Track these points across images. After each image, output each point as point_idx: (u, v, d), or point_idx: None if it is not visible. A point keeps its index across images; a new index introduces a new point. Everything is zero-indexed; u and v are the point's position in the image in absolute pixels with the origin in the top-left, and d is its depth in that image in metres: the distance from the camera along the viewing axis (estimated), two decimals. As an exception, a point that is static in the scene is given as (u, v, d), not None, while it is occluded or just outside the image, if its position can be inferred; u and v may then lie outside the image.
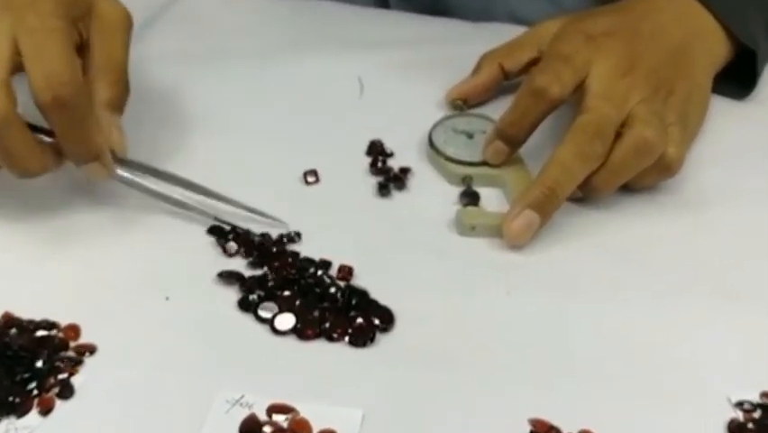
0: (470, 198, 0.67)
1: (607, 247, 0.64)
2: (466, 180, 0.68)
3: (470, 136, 0.70)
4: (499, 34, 0.80)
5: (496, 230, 0.64)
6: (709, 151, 0.72)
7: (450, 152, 0.69)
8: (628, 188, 0.67)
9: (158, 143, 0.70)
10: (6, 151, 0.60)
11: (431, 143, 0.70)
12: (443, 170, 0.69)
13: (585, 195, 0.66)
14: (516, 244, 0.63)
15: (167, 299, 0.59)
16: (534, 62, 0.74)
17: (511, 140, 0.68)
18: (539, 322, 0.59)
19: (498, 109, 0.74)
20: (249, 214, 0.64)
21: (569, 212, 0.65)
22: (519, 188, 0.66)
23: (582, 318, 0.59)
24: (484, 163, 0.69)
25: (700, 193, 0.69)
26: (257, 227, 0.64)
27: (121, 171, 0.64)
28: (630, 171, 0.65)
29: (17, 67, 0.60)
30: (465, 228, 0.64)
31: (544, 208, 0.63)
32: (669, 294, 0.61)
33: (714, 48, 0.74)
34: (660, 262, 0.63)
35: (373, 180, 0.69)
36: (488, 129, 0.70)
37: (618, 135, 0.65)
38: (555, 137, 0.68)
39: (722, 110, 0.75)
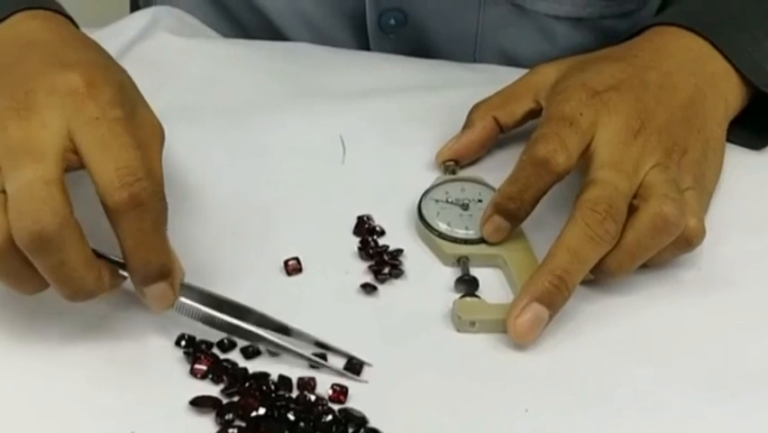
0: (468, 285, 0.59)
1: (626, 342, 0.57)
2: (462, 261, 0.61)
3: (465, 207, 0.63)
4: (492, 76, 0.74)
5: (499, 325, 0.57)
6: (735, 213, 0.65)
7: (443, 227, 0.62)
8: (642, 265, 0.60)
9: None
10: (61, 265, 0.50)
11: (421, 217, 0.63)
12: (436, 249, 0.62)
13: (597, 277, 0.59)
14: (523, 343, 0.56)
15: None
16: (530, 113, 0.68)
17: (512, 215, 0.60)
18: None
19: (490, 168, 0.68)
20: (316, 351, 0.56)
21: (578, 297, 0.58)
22: (521, 269, 0.60)
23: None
24: (482, 240, 0.61)
25: (727, 265, 0.62)
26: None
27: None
28: (648, 252, 0.58)
29: (69, 165, 0.51)
30: (464, 324, 0.57)
31: (552, 301, 0.56)
32: (703, 400, 0.54)
33: (727, 93, 0.67)
34: (689, 357, 0.56)
35: (363, 266, 0.61)
36: (483, 197, 0.63)
37: (632, 208, 0.58)
38: (558, 203, 0.61)
39: (742, 162, 0.68)
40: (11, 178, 0.50)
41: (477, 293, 0.59)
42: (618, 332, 0.58)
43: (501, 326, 0.57)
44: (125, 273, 0.54)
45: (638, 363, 0.56)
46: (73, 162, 0.52)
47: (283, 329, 0.56)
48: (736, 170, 0.67)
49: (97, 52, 0.59)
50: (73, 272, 0.51)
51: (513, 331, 0.56)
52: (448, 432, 0.52)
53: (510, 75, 0.70)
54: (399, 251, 0.62)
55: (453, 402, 0.54)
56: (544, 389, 0.54)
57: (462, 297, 0.58)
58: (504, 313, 0.56)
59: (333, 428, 0.51)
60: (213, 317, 0.56)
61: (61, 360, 0.55)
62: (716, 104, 0.66)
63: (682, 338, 0.58)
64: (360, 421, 0.52)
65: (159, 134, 0.57)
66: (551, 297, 0.56)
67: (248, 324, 0.55)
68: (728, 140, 0.67)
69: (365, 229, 0.63)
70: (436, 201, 0.64)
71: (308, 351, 0.55)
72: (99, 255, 0.53)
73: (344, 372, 0.55)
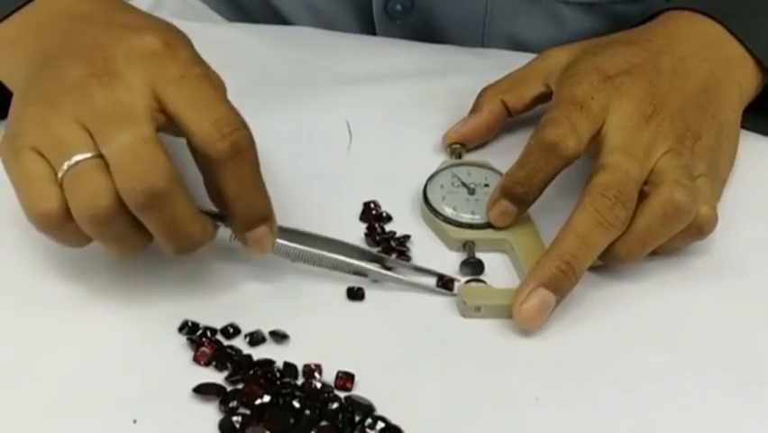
0: (473, 268, 0.58)
1: (635, 329, 0.56)
2: (468, 245, 0.60)
3: (471, 191, 0.62)
4: (500, 61, 0.72)
5: (504, 311, 0.55)
6: (748, 200, 0.63)
7: (448, 212, 0.61)
8: (653, 252, 0.58)
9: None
10: (171, 220, 0.51)
11: (426, 202, 0.61)
12: (442, 234, 0.60)
13: (606, 263, 0.58)
14: (529, 329, 0.55)
15: (134, 422, 0.50)
16: (540, 98, 0.66)
17: (520, 200, 0.59)
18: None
19: (497, 152, 0.67)
20: (415, 276, 0.58)
21: (586, 283, 0.57)
22: (528, 254, 0.58)
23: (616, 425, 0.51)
24: (488, 225, 0.60)
25: (739, 253, 0.60)
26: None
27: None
28: (658, 239, 0.57)
29: (157, 126, 0.52)
30: (469, 310, 0.56)
31: (559, 286, 0.55)
32: (713, 388, 0.53)
33: (742, 79, 0.66)
34: (699, 344, 0.55)
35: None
36: (490, 181, 0.62)
37: (643, 194, 0.57)
38: (566, 187, 0.60)
39: (756, 149, 0.66)
40: (108, 142, 0.50)
41: (483, 278, 0.58)
42: (627, 318, 0.56)
43: (507, 311, 0.55)
44: (219, 223, 0.55)
45: (647, 351, 0.55)
46: (160, 123, 0.52)
47: (380, 259, 0.57)
48: (750, 157, 0.65)
49: (148, 14, 0.58)
50: (182, 225, 0.52)
51: (519, 316, 0.55)
52: (455, 419, 0.51)
53: (518, 60, 0.69)
54: (407, 237, 0.61)
55: (459, 389, 0.52)
56: (550, 375, 0.53)
57: (468, 281, 0.57)
58: (510, 298, 0.55)
59: (340, 416, 0.50)
60: (312, 255, 0.56)
61: (64, 348, 0.53)
62: (730, 89, 0.65)
63: (693, 325, 0.56)
64: (366, 409, 0.50)
65: (225, 87, 0.57)
66: (558, 282, 0.55)
67: (347, 258, 0.56)
68: (742, 126, 0.66)
69: (372, 215, 0.62)
70: (442, 186, 0.62)
71: (408, 277, 0.57)
72: None
73: (438, 289, 0.57)
